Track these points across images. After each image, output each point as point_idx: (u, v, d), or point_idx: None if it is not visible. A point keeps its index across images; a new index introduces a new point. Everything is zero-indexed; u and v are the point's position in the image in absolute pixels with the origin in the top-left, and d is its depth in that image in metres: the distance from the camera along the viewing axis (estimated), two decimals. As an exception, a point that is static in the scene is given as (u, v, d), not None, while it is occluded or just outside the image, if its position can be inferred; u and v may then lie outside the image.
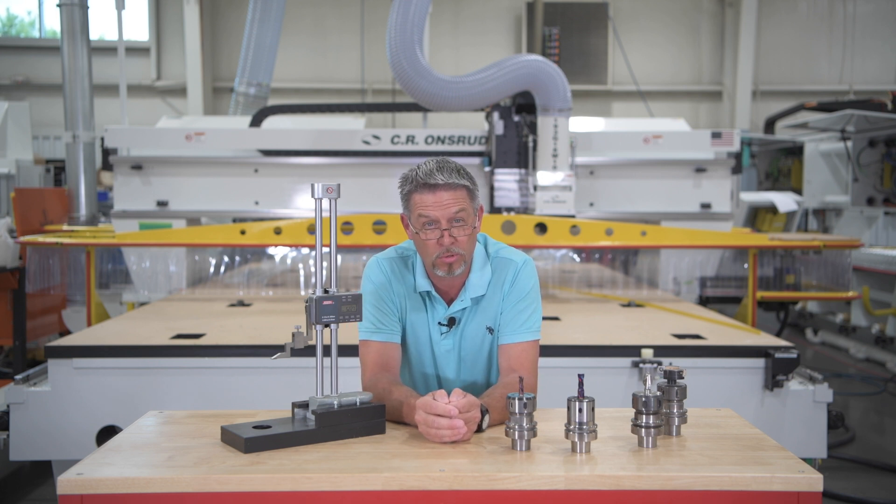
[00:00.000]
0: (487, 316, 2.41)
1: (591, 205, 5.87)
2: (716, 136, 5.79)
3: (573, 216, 5.29)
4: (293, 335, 2.12)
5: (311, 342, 2.12)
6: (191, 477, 1.85)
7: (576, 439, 2.00)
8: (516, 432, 2.00)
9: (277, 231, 4.83)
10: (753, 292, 5.07)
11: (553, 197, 5.31)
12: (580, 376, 2.02)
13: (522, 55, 5.59)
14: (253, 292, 5.54)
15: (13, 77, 14.97)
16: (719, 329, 4.28)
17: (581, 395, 1.99)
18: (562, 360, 3.68)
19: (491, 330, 2.41)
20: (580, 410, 1.98)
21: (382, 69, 13.66)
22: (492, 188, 5.63)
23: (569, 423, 2.00)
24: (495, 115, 5.64)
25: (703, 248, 5.47)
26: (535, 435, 2.01)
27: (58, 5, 6.68)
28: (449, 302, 2.42)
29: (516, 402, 1.99)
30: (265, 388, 3.70)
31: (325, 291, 2.13)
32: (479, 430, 2.14)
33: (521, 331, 2.37)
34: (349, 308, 2.12)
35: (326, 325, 2.11)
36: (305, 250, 5.65)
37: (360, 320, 2.15)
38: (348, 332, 2.38)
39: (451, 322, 2.41)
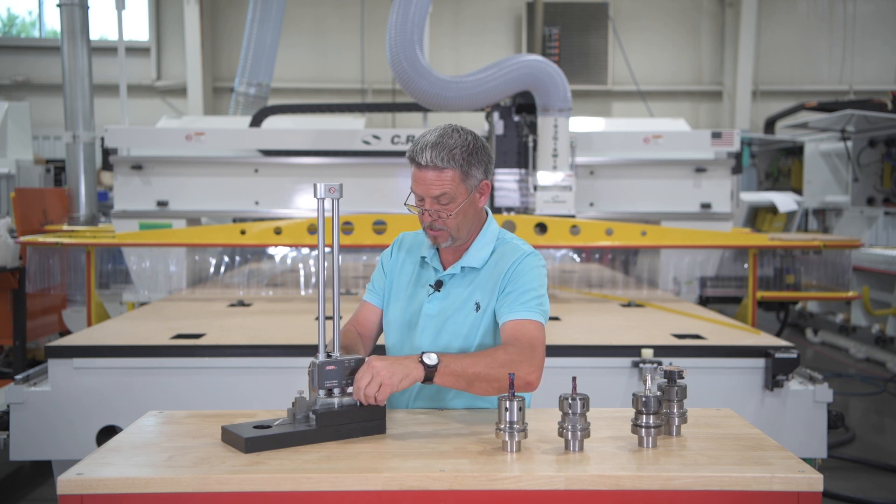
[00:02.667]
0: (479, 292, 2.37)
1: (591, 205, 5.88)
2: (716, 136, 5.79)
3: (573, 216, 5.29)
4: (295, 400, 2.12)
5: (313, 408, 2.10)
6: (191, 477, 1.85)
7: (568, 437, 2.00)
8: (506, 433, 1.99)
9: (277, 231, 4.83)
10: (753, 292, 5.07)
11: (553, 197, 5.31)
12: (574, 378, 2.02)
13: (522, 55, 5.59)
14: (253, 292, 5.54)
15: (13, 77, 14.98)
16: (719, 329, 4.28)
17: (574, 394, 2.00)
18: (562, 360, 3.67)
19: (478, 306, 2.36)
20: (570, 406, 1.99)
21: (382, 69, 13.67)
22: (492, 188, 5.63)
23: (562, 420, 2.01)
24: (495, 115, 5.64)
25: (703, 248, 5.47)
26: (525, 436, 2.00)
27: (58, 5, 6.68)
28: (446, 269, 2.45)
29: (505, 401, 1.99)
30: (265, 388, 3.70)
31: (328, 356, 2.12)
32: (428, 377, 2.09)
33: (520, 310, 2.29)
34: (352, 372, 2.11)
35: (329, 391, 2.10)
36: (305, 250, 5.65)
37: None
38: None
39: (439, 285, 2.41)
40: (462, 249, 2.42)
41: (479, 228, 2.43)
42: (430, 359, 2.09)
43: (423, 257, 2.46)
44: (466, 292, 2.39)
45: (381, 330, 2.55)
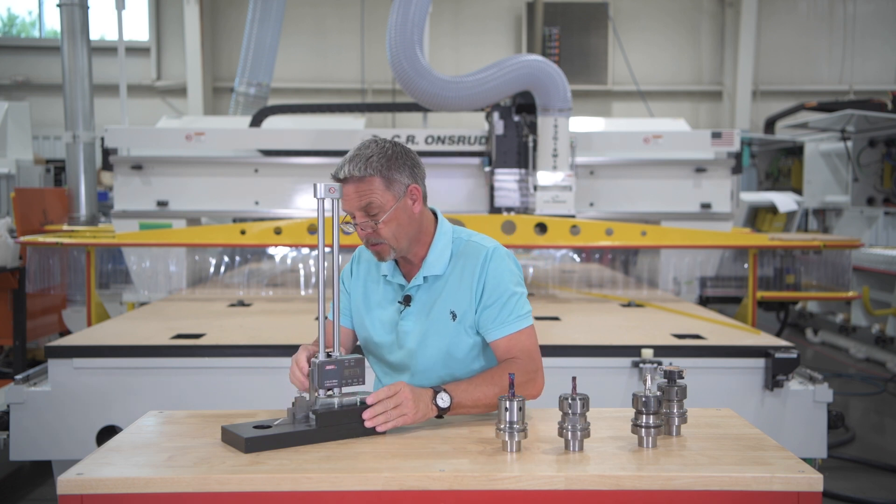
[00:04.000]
0: (451, 300, 2.35)
1: (591, 205, 5.88)
2: (716, 136, 5.79)
3: (573, 216, 5.29)
4: (295, 400, 2.12)
5: (313, 408, 2.10)
6: (191, 477, 1.85)
7: (568, 437, 2.00)
8: (506, 433, 1.99)
9: (277, 231, 4.83)
10: (753, 292, 5.07)
11: (553, 197, 5.31)
12: (574, 378, 2.03)
13: (522, 55, 5.59)
14: (253, 292, 5.54)
15: (13, 77, 14.98)
16: (719, 329, 4.28)
17: (574, 394, 2.00)
18: (562, 360, 3.68)
19: (454, 315, 2.34)
20: (570, 406, 2.00)
21: (382, 69, 13.67)
22: (492, 188, 5.63)
23: (562, 420, 2.01)
24: (495, 115, 5.64)
25: (703, 248, 5.47)
26: (525, 436, 2.00)
27: (58, 5, 6.69)
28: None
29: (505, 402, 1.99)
30: (265, 388, 3.70)
31: (328, 355, 2.12)
32: (439, 414, 2.17)
33: (507, 322, 2.31)
34: (352, 372, 2.12)
35: (329, 390, 2.11)
36: (305, 250, 5.65)
37: (363, 384, 2.17)
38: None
39: (407, 300, 2.39)
40: (420, 258, 2.39)
41: (431, 234, 2.39)
42: (443, 401, 2.15)
43: (384, 276, 2.43)
44: (437, 300, 2.36)
45: (353, 347, 2.55)
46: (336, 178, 2.26)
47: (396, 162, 2.27)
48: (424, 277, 2.37)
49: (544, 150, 5.42)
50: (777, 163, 11.47)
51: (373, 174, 2.23)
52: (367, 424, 2.10)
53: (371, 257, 2.47)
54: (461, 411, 2.20)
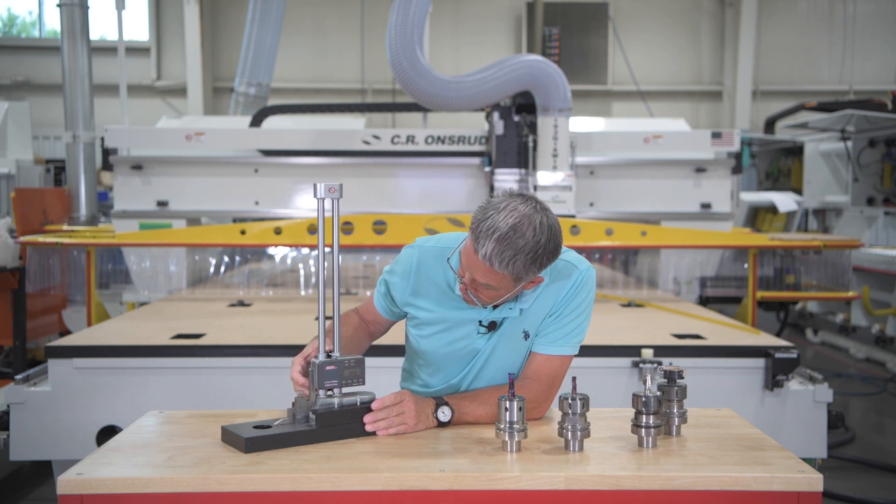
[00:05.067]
0: (529, 319, 2.30)
1: (591, 205, 5.88)
2: (716, 136, 5.79)
3: (573, 216, 5.29)
4: (295, 400, 2.12)
5: (313, 408, 2.10)
6: (191, 477, 1.85)
7: (568, 437, 2.00)
8: (506, 433, 1.99)
9: (277, 231, 4.83)
10: (753, 292, 5.07)
11: (553, 197, 5.31)
12: (574, 378, 2.03)
13: (522, 55, 5.59)
14: (253, 292, 5.54)
15: (13, 77, 14.98)
16: (719, 329, 4.28)
17: (574, 394, 2.00)
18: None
19: (527, 335, 2.30)
20: (570, 406, 1.99)
21: (382, 69, 13.67)
22: (492, 188, 5.64)
23: (562, 420, 2.01)
24: (495, 115, 5.64)
25: (703, 248, 5.47)
26: (525, 436, 2.00)
27: (58, 5, 6.69)
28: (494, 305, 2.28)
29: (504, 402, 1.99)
30: (265, 388, 3.70)
31: (328, 355, 2.12)
32: (440, 423, 2.17)
33: (558, 342, 2.27)
34: (352, 372, 2.12)
35: (329, 390, 2.10)
36: (306, 250, 5.65)
37: (363, 384, 2.14)
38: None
39: (492, 325, 2.32)
40: None
41: None
42: (444, 415, 2.16)
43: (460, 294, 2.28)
44: (514, 321, 2.31)
45: (384, 332, 2.54)
46: (473, 238, 2.08)
47: (537, 263, 2.07)
48: (521, 310, 2.29)
49: (544, 150, 5.42)
50: (777, 163, 11.47)
51: (510, 273, 2.07)
52: (368, 428, 2.11)
53: (431, 260, 2.35)
54: (460, 425, 2.20)
